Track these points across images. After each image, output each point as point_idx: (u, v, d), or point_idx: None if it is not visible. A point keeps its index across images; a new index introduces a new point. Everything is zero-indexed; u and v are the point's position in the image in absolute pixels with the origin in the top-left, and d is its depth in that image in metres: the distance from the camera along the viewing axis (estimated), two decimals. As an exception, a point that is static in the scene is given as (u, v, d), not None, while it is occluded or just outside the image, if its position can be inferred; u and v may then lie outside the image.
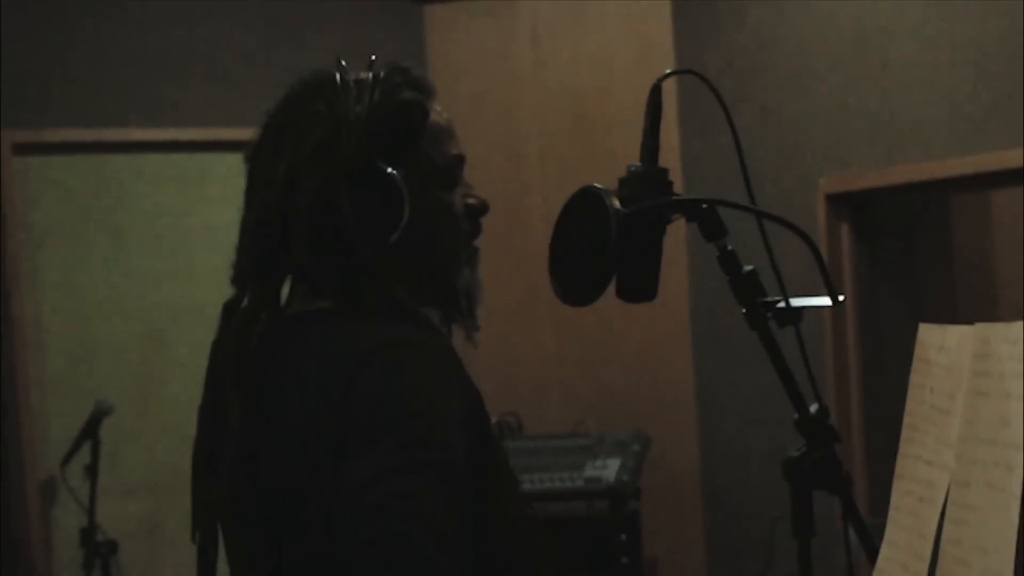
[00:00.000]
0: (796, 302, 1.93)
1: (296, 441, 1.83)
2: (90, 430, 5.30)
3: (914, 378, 2.14)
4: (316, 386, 1.82)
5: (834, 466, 1.92)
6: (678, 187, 1.96)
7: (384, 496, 1.67)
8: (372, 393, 1.77)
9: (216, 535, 1.93)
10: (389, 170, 1.89)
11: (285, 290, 1.98)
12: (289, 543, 1.84)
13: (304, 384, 1.85)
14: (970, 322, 2.04)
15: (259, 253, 1.92)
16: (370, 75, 1.94)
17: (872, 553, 2.05)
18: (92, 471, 5.28)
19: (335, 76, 1.94)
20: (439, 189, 1.96)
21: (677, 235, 2.00)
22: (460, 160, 2.01)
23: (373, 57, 1.97)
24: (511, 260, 5.85)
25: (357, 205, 1.87)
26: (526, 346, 6.15)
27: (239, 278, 1.95)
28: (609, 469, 5.40)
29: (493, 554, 1.82)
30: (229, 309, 1.94)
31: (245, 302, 1.93)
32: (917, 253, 5.62)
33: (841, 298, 2.00)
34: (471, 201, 2.01)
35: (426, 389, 1.78)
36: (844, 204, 5.32)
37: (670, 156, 5.45)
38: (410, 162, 1.92)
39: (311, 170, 1.88)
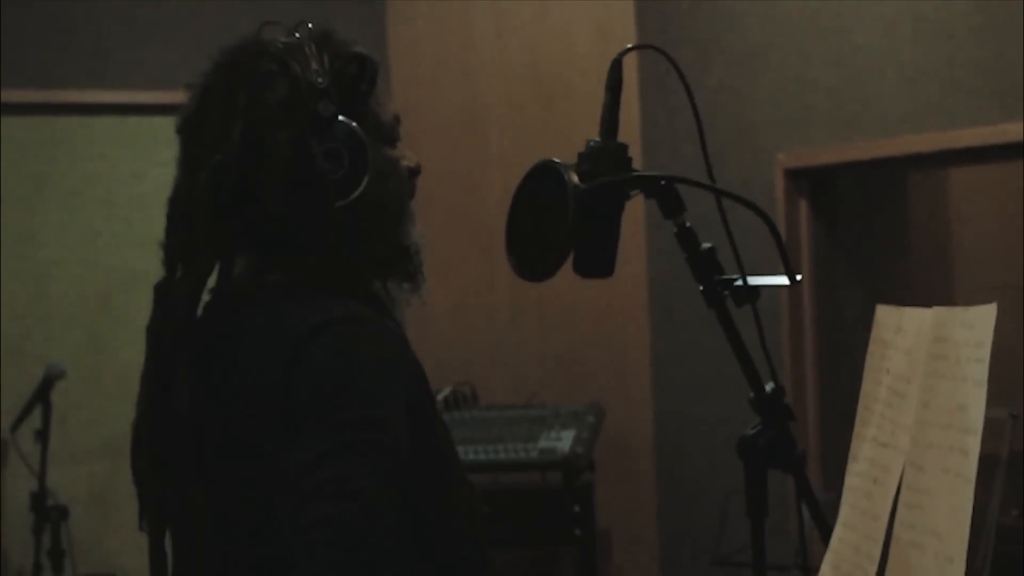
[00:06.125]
0: (754, 281, 1.92)
1: (241, 419, 1.80)
2: (41, 395, 5.25)
3: (871, 360, 2.14)
4: (262, 362, 1.79)
5: (789, 445, 1.91)
6: (637, 163, 1.94)
7: (324, 477, 1.65)
8: (316, 370, 1.74)
9: (165, 526, 1.90)
10: (353, 124, 1.87)
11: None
12: (233, 524, 1.81)
13: (251, 360, 1.82)
14: (925, 301, 2.04)
15: (213, 217, 1.86)
16: (307, 36, 1.92)
17: (825, 532, 2.05)
18: (43, 436, 5.24)
19: (270, 41, 1.92)
20: (386, 146, 1.95)
21: (635, 211, 1.99)
22: (398, 119, 2.00)
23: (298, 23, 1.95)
24: (469, 233, 5.79)
25: (328, 158, 1.85)
26: (482, 316, 6.13)
27: (182, 250, 1.88)
28: (563, 440, 5.40)
29: (433, 536, 1.81)
30: (162, 289, 1.88)
31: (186, 275, 1.87)
32: (875, 229, 5.63)
33: (799, 278, 1.99)
34: (407, 162, 2.00)
35: (370, 368, 1.76)
36: (803, 179, 5.32)
37: (630, 132, 5.42)
38: (362, 117, 1.91)
39: (279, 125, 1.85)
